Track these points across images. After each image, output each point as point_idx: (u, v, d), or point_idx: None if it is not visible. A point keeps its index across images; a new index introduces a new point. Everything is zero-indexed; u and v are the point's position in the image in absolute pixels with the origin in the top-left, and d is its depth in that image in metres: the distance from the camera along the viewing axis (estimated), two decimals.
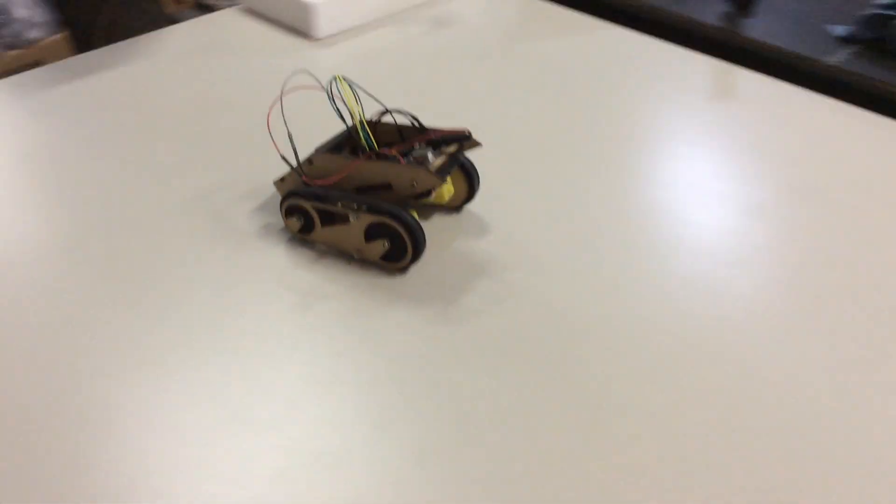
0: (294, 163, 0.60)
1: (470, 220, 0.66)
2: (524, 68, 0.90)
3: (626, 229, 0.65)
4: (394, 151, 0.58)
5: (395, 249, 0.58)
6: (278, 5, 0.95)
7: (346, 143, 0.62)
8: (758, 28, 1.21)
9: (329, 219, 0.60)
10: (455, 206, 0.67)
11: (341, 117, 0.60)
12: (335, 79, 0.58)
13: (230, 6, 1.01)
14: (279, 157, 0.61)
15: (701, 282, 0.60)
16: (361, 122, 0.59)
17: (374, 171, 0.58)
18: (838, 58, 1.12)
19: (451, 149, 0.60)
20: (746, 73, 0.91)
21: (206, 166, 0.71)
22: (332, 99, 0.58)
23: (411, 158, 0.58)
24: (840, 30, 1.19)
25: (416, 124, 0.61)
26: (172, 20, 1.42)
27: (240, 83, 0.84)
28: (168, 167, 0.70)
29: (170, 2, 1.37)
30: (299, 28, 0.94)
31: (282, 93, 0.64)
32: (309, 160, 0.60)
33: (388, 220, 0.57)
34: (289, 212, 0.61)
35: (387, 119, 0.62)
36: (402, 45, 0.94)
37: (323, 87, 0.58)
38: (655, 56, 0.94)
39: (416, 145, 0.60)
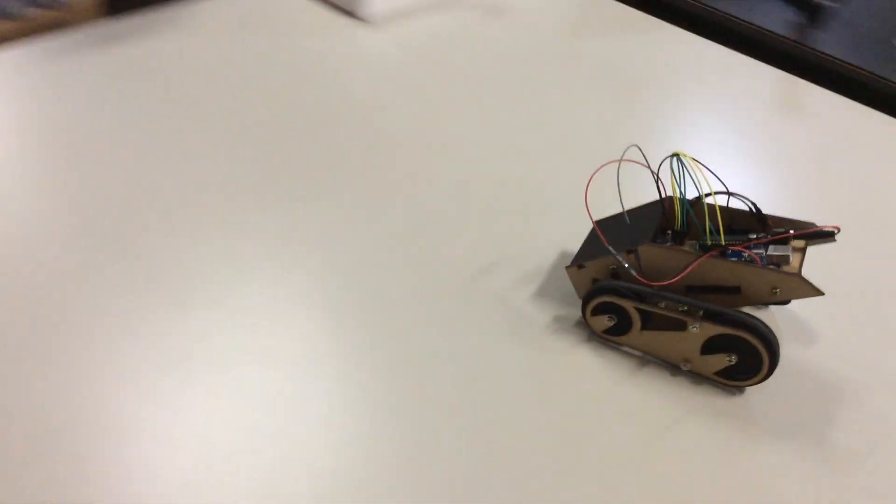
0: (613, 253, 0.49)
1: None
2: (581, 67, 0.84)
3: None
4: (744, 248, 0.48)
5: (742, 365, 0.48)
6: None
7: (657, 225, 0.51)
8: (828, 42, 1.14)
9: (650, 322, 0.50)
10: (765, 302, 0.55)
11: (661, 200, 0.50)
12: (676, 157, 0.47)
13: None
14: None
15: None
16: (712, 212, 0.48)
17: (720, 270, 0.47)
18: None
19: (802, 244, 0.49)
20: (814, 88, 0.85)
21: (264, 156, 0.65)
22: (656, 180, 0.49)
23: (766, 257, 0.48)
24: None
25: (755, 211, 0.49)
26: None
27: (282, 65, 0.78)
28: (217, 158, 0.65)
29: None
30: (346, 6, 0.87)
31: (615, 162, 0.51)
32: (630, 251, 0.49)
33: (741, 334, 0.46)
34: (599, 310, 0.50)
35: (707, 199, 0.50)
36: (454, 32, 0.87)
37: (650, 166, 0.49)
38: (715, 62, 0.89)
39: (755, 236, 0.49)
